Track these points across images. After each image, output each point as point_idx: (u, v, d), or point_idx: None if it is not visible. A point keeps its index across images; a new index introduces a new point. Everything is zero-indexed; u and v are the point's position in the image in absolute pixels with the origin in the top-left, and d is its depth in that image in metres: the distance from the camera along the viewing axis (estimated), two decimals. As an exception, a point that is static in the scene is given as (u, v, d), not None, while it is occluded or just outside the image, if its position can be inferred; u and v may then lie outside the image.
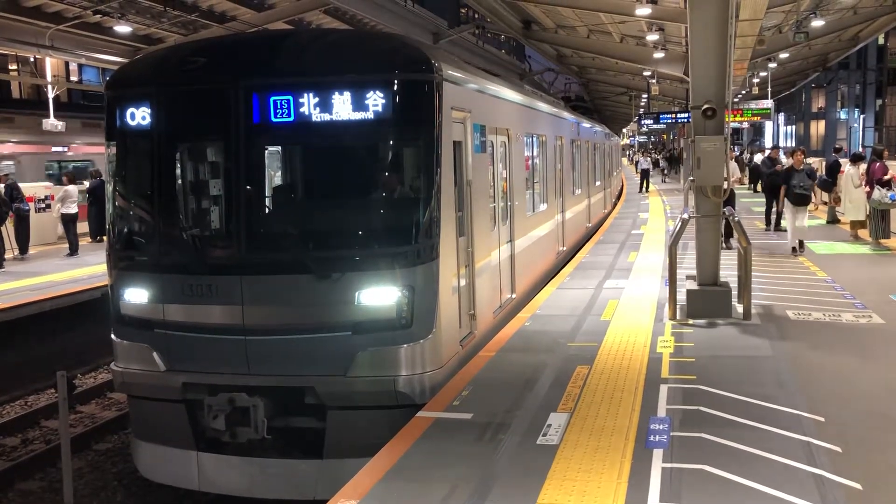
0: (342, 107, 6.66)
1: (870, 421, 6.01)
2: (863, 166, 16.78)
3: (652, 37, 23.64)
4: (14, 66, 35.52)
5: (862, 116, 67.96)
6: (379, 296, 6.65)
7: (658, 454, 5.44)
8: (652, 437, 5.74)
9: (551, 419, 6.19)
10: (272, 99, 6.73)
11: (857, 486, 4.88)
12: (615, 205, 28.95)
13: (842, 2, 22.81)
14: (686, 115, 28.93)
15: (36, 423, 10.64)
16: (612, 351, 8.14)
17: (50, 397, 11.50)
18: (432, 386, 6.84)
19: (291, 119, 6.73)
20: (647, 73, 31.80)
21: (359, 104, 6.65)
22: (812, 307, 9.90)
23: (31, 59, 31.43)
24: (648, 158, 42.96)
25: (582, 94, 56.84)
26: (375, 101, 6.65)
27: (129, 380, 7.31)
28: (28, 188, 19.26)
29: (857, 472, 5.06)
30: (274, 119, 6.75)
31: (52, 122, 24.42)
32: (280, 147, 7.43)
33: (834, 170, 19.04)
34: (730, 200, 11.88)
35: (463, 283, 7.72)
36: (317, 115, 6.69)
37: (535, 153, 12.62)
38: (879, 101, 64.55)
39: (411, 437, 5.92)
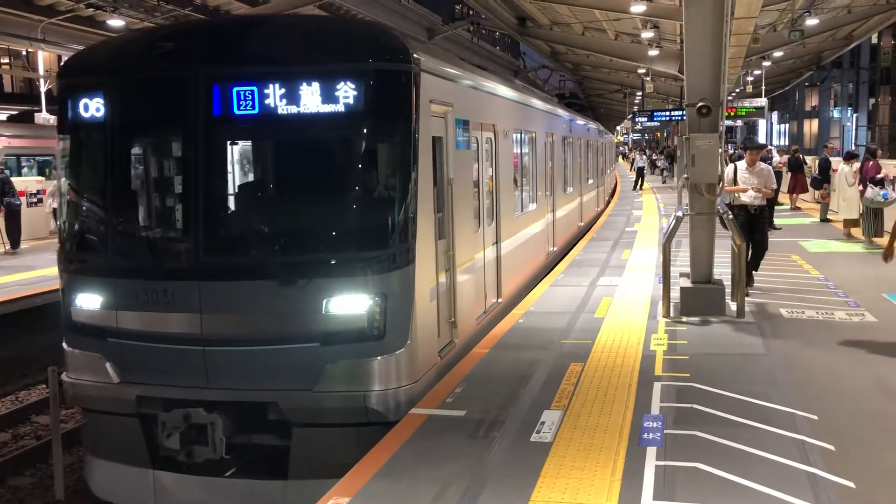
0: (310, 98, 6.21)
1: (863, 419, 6.01)
2: (856, 165, 16.83)
3: (647, 34, 23.63)
4: (6, 60, 35.33)
5: (855, 115, 68.15)
6: (349, 304, 6.18)
7: (651, 452, 5.43)
8: (645, 435, 5.73)
9: (545, 416, 6.18)
10: (234, 89, 6.27)
11: (851, 484, 4.88)
12: (609, 202, 28.93)
13: (836, 0, 22.84)
14: (680, 112, 28.96)
15: (27, 419, 10.58)
16: (605, 348, 8.13)
17: (41, 393, 11.44)
18: (407, 401, 6.40)
19: (255, 111, 6.27)
20: (641, 71, 31.81)
21: (328, 96, 6.20)
22: (805, 305, 9.91)
23: (24, 53, 31.22)
24: (644, 157, 42.98)
25: (576, 91, 56.82)
26: (346, 92, 6.19)
27: (81, 392, 6.85)
28: (20, 182, 19.16)
29: (851, 470, 5.06)
30: (236, 111, 6.30)
31: (44, 117, 24.32)
32: (243, 142, 6.89)
33: (825, 168, 19.10)
34: (759, 230, 10.68)
35: (442, 288, 7.30)
36: (283, 108, 6.24)
37: (524, 150, 12.21)
38: (872, 100, 64.74)
39: (404, 435, 5.90)
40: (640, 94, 43.55)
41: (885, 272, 12.24)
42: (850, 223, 16.55)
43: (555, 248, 14.85)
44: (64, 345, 6.98)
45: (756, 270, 10.92)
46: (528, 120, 12.51)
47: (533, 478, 5.08)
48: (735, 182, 10.61)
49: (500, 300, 9.78)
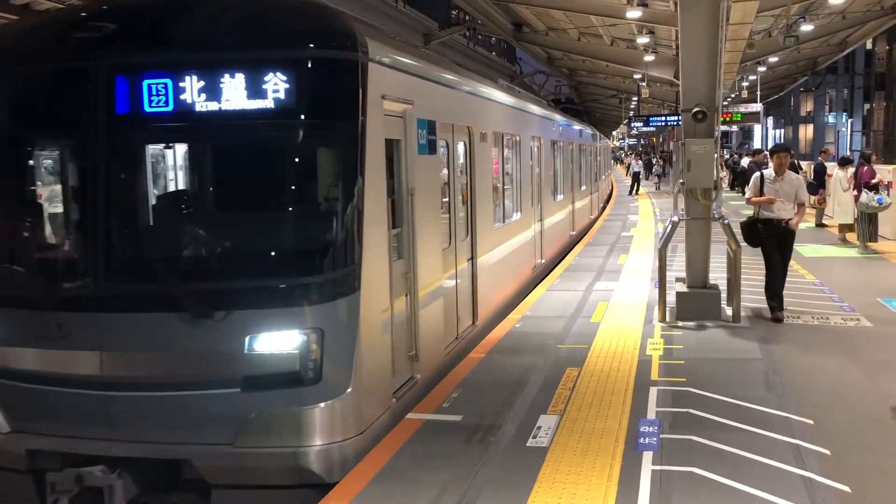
0: (234, 93, 5.23)
1: (858, 424, 6.03)
2: (851, 170, 16.90)
3: (642, 40, 23.77)
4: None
5: (850, 121, 68.40)
6: (277, 341, 5.19)
7: (648, 457, 5.43)
8: (641, 440, 5.73)
9: (541, 421, 6.17)
10: (144, 82, 5.28)
11: (846, 488, 4.89)
12: (604, 209, 28.83)
13: (831, 6, 22.96)
14: (676, 117, 29.05)
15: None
16: (601, 353, 8.14)
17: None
18: (352, 456, 5.38)
19: (169, 109, 5.29)
20: (637, 76, 31.96)
21: (256, 90, 5.22)
22: (801, 310, 9.93)
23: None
24: (640, 161, 43.12)
25: (572, 96, 57.01)
26: (276, 85, 5.22)
27: None
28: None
29: (846, 474, 5.07)
30: (146, 108, 5.31)
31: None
32: (152, 145, 5.87)
33: (820, 173, 19.18)
34: (789, 246, 9.51)
35: (399, 317, 6.28)
36: (202, 104, 5.26)
37: (505, 155, 11.16)
38: (867, 106, 64.98)
39: (401, 439, 5.89)
40: (635, 99, 43.75)
41: (879, 277, 12.30)
42: (845, 228, 16.61)
43: (543, 261, 13.87)
44: None
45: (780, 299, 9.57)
46: (512, 122, 11.47)
47: (529, 482, 5.07)
48: (761, 193, 9.40)
49: (476, 323, 8.84)
